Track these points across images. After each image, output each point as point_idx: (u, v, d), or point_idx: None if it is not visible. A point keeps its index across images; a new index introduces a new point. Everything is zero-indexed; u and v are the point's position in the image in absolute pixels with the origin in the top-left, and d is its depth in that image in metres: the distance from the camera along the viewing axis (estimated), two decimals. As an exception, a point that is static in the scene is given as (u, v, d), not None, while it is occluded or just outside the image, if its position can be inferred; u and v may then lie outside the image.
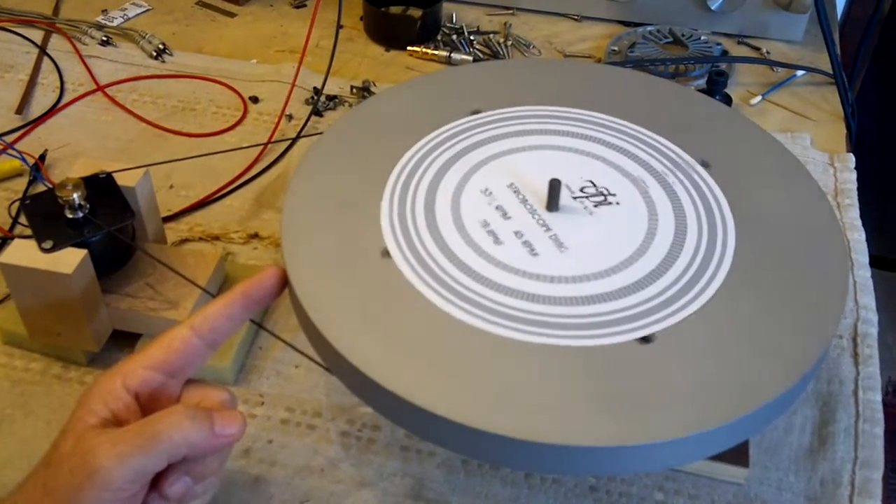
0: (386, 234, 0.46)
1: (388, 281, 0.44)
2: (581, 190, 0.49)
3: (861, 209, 0.68)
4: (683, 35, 0.83)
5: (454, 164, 0.51)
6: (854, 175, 0.70)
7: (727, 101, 0.76)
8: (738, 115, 0.57)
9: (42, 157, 0.69)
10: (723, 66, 0.80)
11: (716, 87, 0.74)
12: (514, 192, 0.49)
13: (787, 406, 0.43)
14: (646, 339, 0.42)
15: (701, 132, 0.54)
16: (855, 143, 0.77)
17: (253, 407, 0.54)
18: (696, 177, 0.51)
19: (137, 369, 0.41)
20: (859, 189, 0.69)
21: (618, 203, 0.49)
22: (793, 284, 0.45)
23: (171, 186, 0.68)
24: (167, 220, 0.65)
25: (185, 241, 0.64)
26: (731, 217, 0.48)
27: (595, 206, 0.49)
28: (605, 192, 0.50)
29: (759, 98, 0.79)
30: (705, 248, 0.46)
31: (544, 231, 0.47)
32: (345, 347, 0.41)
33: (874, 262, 0.63)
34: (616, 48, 0.83)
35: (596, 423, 0.39)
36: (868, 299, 0.59)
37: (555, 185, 0.48)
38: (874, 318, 0.58)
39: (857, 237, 0.64)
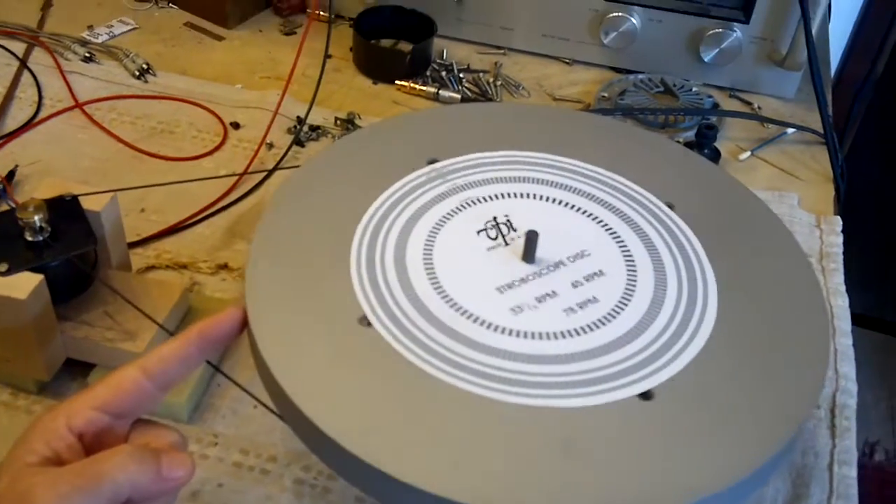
0: (360, 298, 0.44)
1: (358, 339, 0.42)
2: (487, 235, 0.48)
3: (846, 265, 0.66)
4: (675, 85, 0.82)
5: (413, 228, 0.48)
6: (840, 238, 0.69)
7: (716, 154, 0.74)
8: (722, 171, 0.55)
9: (10, 174, 0.67)
10: (713, 119, 0.79)
11: (705, 140, 0.73)
12: (509, 287, 0.45)
13: (760, 483, 0.41)
14: (610, 407, 0.40)
15: (675, 181, 0.53)
16: (844, 202, 0.76)
17: (206, 447, 0.52)
18: (666, 220, 0.50)
19: (83, 409, 0.39)
20: (848, 246, 0.68)
21: (510, 216, 0.48)
22: (771, 355, 0.43)
23: (143, 210, 0.66)
24: (135, 244, 0.63)
25: (151, 268, 0.62)
26: (714, 279, 0.47)
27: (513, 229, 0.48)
28: (497, 219, 0.48)
29: (747, 154, 0.78)
30: (684, 308, 0.45)
31: (566, 268, 0.46)
32: (300, 398, 0.39)
33: (857, 321, 0.62)
34: (606, 94, 0.82)
35: (552, 498, 0.37)
36: (848, 368, 0.58)
37: (532, 237, 0.46)
38: (853, 388, 0.57)
39: (840, 303, 0.63)
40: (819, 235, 0.70)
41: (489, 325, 0.43)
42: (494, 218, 0.49)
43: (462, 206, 0.50)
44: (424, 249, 0.47)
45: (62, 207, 0.52)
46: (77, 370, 0.53)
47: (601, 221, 0.49)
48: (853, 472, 0.51)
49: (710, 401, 0.41)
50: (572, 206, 0.50)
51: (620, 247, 0.48)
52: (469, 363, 0.41)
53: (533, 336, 0.43)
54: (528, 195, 0.51)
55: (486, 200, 0.50)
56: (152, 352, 0.40)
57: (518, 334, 0.43)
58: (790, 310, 0.46)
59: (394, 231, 0.48)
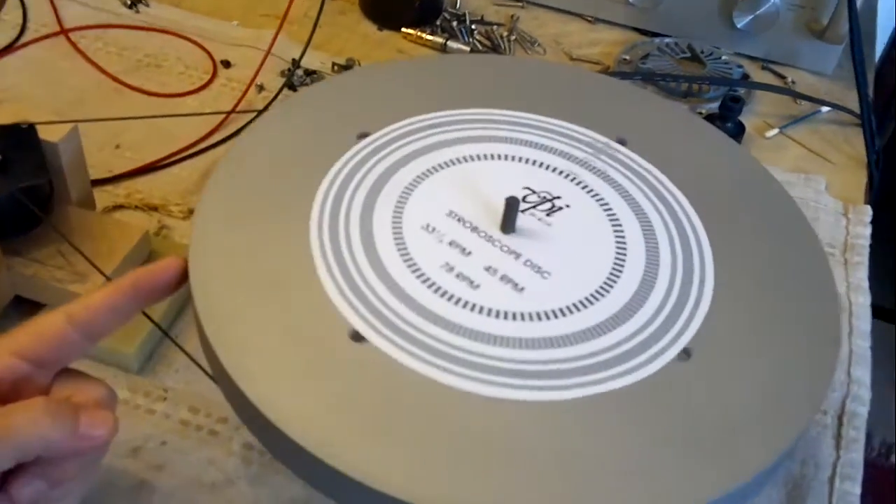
0: (318, 264, 0.39)
1: (308, 305, 0.38)
2: (524, 199, 0.43)
3: (879, 259, 0.61)
4: (703, 52, 0.76)
5: (381, 189, 0.43)
6: (868, 230, 0.63)
7: (740, 129, 0.69)
8: (738, 147, 0.50)
9: (-20, 98, 0.63)
10: (740, 91, 0.73)
11: (729, 113, 0.67)
12: (458, 219, 0.42)
13: (750, 496, 0.36)
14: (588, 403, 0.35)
15: (681, 152, 0.47)
16: (878, 192, 0.70)
17: (154, 402, 0.48)
18: (668, 197, 0.45)
19: (1, 355, 0.35)
20: (880, 239, 0.62)
21: (567, 206, 0.43)
22: (772, 352, 0.38)
23: (118, 146, 0.62)
24: (105, 182, 0.59)
25: (119, 207, 0.58)
26: (712, 266, 0.42)
27: (547, 214, 0.43)
28: (548, 195, 0.44)
29: (775, 131, 0.72)
30: (677, 294, 0.40)
31: (515, 258, 0.40)
32: (234, 369, 0.35)
33: (885, 316, 0.56)
34: (628, 57, 0.76)
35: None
36: (863, 373, 0.52)
37: (512, 204, 0.41)
38: (867, 395, 0.51)
39: (862, 301, 0.57)
40: (845, 225, 0.64)
41: (400, 245, 0.40)
42: (549, 192, 0.44)
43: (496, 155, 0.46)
44: (404, 190, 0.43)
45: (17, 136, 0.48)
46: (26, 309, 0.50)
47: (618, 225, 0.44)
48: (857, 489, 0.46)
49: (695, 405, 0.36)
50: (605, 206, 0.44)
51: (616, 264, 0.42)
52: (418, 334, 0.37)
53: (420, 277, 0.39)
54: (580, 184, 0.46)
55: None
56: (80, 298, 0.37)
57: (413, 269, 0.39)
58: (797, 301, 0.41)
59: (370, 177, 0.44)
